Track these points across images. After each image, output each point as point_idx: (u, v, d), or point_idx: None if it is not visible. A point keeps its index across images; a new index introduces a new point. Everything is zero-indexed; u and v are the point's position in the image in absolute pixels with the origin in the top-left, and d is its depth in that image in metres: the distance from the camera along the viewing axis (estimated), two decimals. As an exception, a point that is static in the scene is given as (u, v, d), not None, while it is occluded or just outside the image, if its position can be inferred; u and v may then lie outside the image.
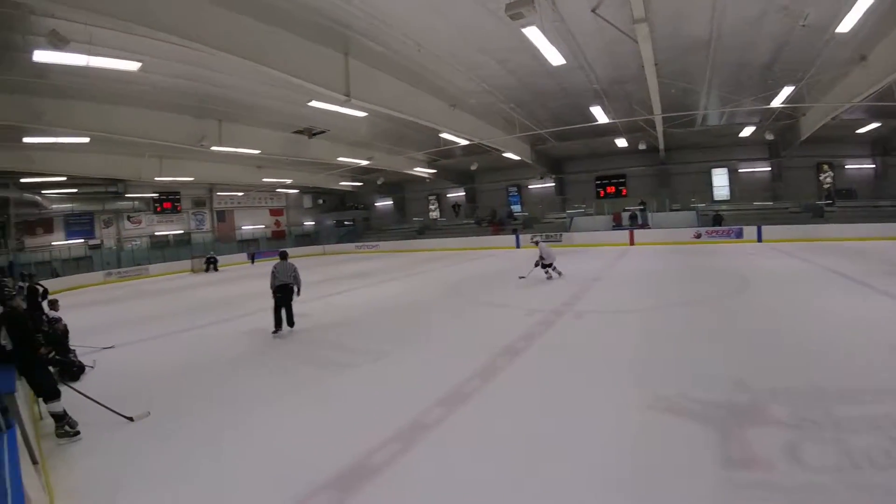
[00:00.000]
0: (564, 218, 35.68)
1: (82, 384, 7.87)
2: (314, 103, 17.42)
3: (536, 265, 16.57)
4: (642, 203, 32.67)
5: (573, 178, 38.66)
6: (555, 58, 13.09)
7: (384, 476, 4.39)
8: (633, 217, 31.68)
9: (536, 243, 17.65)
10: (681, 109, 22.04)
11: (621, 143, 29.74)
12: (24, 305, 8.26)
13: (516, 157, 30.84)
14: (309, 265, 31.65)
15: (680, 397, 5.62)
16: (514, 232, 35.36)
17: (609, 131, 27.19)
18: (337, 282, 20.25)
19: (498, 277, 18.28)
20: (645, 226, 30.97)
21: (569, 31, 14.21)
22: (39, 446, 5.53)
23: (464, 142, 24.90)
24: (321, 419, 5.95)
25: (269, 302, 11.35)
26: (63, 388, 6.27)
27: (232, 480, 4.60)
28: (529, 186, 41.22)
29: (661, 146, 29.78)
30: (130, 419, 6.26)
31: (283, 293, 11.10)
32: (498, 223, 38.47)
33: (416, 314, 12.47)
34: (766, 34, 15.08)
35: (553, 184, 39.23)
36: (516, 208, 41.38)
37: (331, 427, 5.67)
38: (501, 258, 26.29)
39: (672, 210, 32.36)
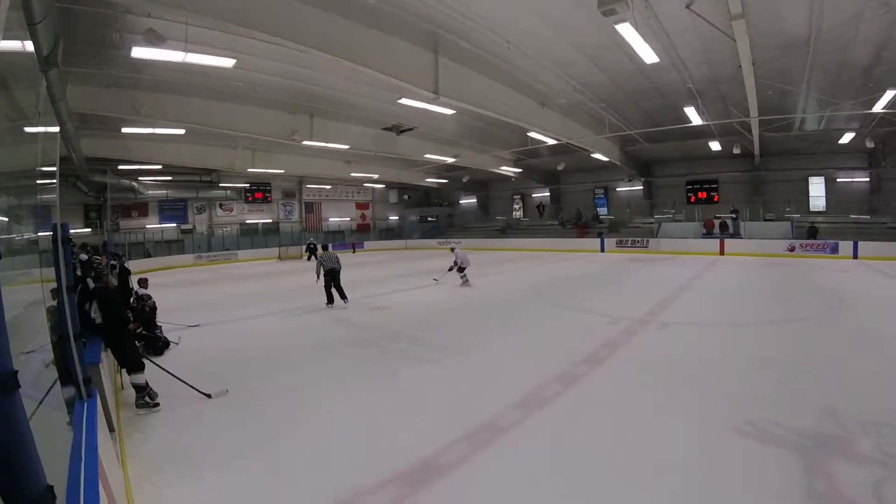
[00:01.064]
0: (652, 223, 34.10)
1: (165, 359, 8.17)
2: (403, 101, 17.48)
3: (451, 270, 17.80)
4: (734, 211, 30.75)
5: (663, 181, 36.91)
6: (648, 56, 12.52)
7: (450, 477, 4.30)
8: (723, 225, 29.90)
9: (452, 249, 19.02)
10: (778, 112, 20.73)
11: (715, 146, 28.08)
12: (114, 282, 8.61)
13: (604, 158, 29.91)
14: (390, 259, 32.15)
15: (765, 422, 5.23)
16: (600, 235, 34.37)
17: (702, 134, 25.83)
18: (418, 276, 20.29)
19: (582, 281, 17.80)
20: (736, 235, 29.20)
21: (663, 28, 13.63)
22: (118, 415, 5.84)
23: (551, 141, 24.31)
24: (394, 411, 5.95)
25: (353, 292, 13.97)
26: (147, 363, 6.56)
27: (301, 460, 4.71)
28: (617, 189, 39.82)
29: (757, 151, 27.80)
30: (208, 396, 6.47)
31: (332, 276, 13.84)
32: (583, 225, 37.40)
33: (497, 314, 12.28)
34: (866, 32, 13.85)
35: (641, 187, 37.74)
36: (602, 211, 40.12)
37: (402, 420, 5.67)
38: (585, 261, 25.68)
39: (766, 219, 30.29)
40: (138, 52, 12.16)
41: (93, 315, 6.04)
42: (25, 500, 1.72)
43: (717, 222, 30.24)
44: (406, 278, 19.75)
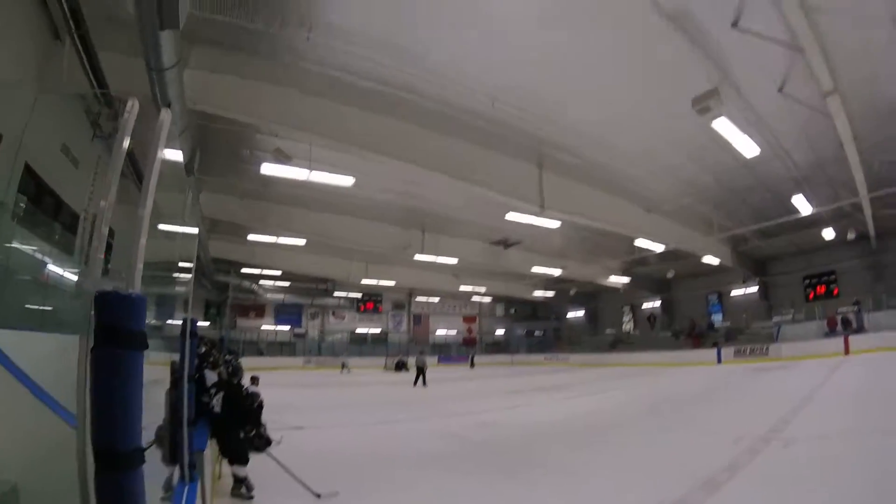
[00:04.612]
0: (771, 327, 31.66)
1: (264, 457, 8.30)
2: (510, 216, 18.05)
3: (419, 375, 22.33)
4: (856, 303, 27.90)
5: (778, 279, 34.49)
6: (748, 149, 12.37)
7: None
8: (845, 321, 27.10)
9: (418, 357, 23.87)
10: (889, 186, 19.00)
11: (828, 234, 25.95)
12: (225, 374, 9.12)
13: (716, 261, 28.71)
14: (496, 374, 31.68)
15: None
16: (716, 345, 32.10)
17: (814, 222, 24.15)
18: (524, 394, 19.77)
19: (698, 396, 16.68)
20: (861, 329, 26.24)
21: (758, 117, 13.45)
22: (213, 502, 5.98)
23: (660, 248, 23.99)
24: None
25: (459, 406, 14.80)
26: (259, 455, 6.83)
27: None
28: (731, 293, 37.70)
29: (872, 232, 25.37)
30: (318, 496, 6.47)
31: (421, 371, 20.84)
32: (697, 335, 35.41)
33: (608, 434, 11.58)
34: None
35: (756, 287, 35.42)
36: (717, 318, 37.98)
37: None
38: (701, 375, 24.05)
39: (890, 307, 26.99)
40: (267, 169, 13.59)
41: (213, 403, 6.53)
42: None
43: (839, 318, 27.62)
44: (513, 395, 19.35)
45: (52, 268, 8.85)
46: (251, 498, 6.37)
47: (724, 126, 10.88)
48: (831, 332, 27.09)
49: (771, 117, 13.72)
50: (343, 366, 34.02)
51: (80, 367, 2.01)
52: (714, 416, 12.94)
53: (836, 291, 31.18)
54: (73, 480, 1.98)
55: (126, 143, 2.38)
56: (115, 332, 1.91)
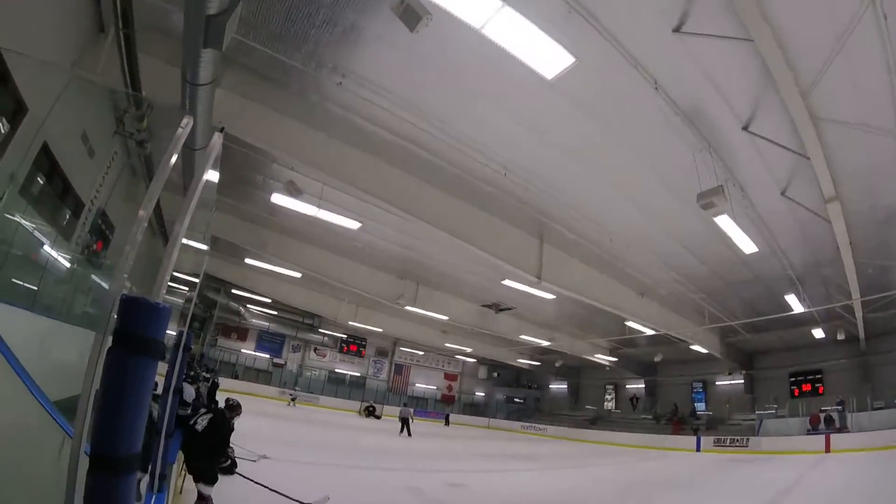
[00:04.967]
0: (753, 419, 31.04)
1: (232, 479, 8.17)
2: (506, 282, 18.37)
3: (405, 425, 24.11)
4: (840, 402, 27.42)
5: (764, 373, 34.16)
6: (747, 246, 12.53)
7: None
8: (828, 419, 26.57)
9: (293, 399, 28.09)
10: (881, 290, 18.92)
11: (818, 333, 26.10)
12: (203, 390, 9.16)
13: (704, 350, 28.73)
14: (472, 436, 31.33)
15: None
16: (696, 432, 31.73)
17: (805, 321, 24.10)
18: (500, 459, 19.60)
19: (675, 483, 16.38)
20: (843, 429, 25.91)
21: (760, 216, 13.83)
22: None
23: (649, 331, 24.03)
24: None
25: (432, 463, 14.90)
26: (238, 477, 7.34)
27: None
28: (716, 382, 37.20)
29: (861, 335, 25.28)
30: None
31: (405, 422, 22.19)
32: (679, 421, 34.96)
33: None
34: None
35: (742, 380, 35.13)
36: (700, 406, 37.33)
37: None
38: (678, 461, 23.67)
39: (874, 408, 26.52)
40: (277, 199, 13.82)
41: (199, 427, 6.66)
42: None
43: (822, 416, 27.20)
44: (488, 459, 19.15)
45: (47, 249, 8.88)
46: None
47: (725, 223, 11.08)
48: (813, 429, 26.76)
49: (771, 217, 14.08)
50: (291, 398, 34.06)
51: (90, 364, 2.07)
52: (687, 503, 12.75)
53: (821, 390, 30.86)
54: (40, 465, 2.01)
55: (174, 158, 2.48)
56: (135, 337, 1.99)
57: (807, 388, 31.62)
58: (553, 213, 14.77)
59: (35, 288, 8.18)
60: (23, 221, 7.81)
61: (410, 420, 24.92)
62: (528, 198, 13.89)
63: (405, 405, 29.28)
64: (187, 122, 2.66)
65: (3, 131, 7.02)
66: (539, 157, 12.41)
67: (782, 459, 22.88)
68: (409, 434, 23.89)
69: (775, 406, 31.15)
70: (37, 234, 8.68)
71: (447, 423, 39.46)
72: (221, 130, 2.83)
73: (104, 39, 8.86)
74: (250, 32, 9.08)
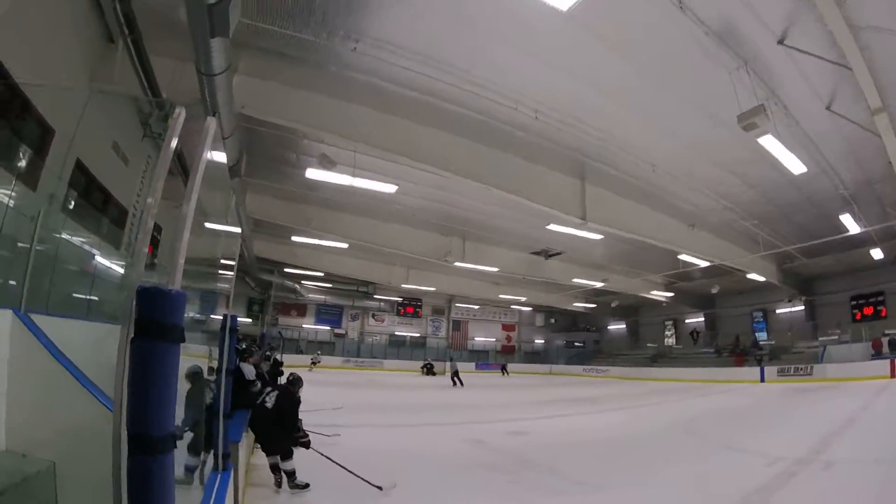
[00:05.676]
0: (816, 347, 30.55)
1: (302, 454, 8.50)
2: (552, 226, 18.15)
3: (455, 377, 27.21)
4: None
5: (825, 299, 33.27)
6: (795, 166, 12.03)
7: None
8: (892, 343, 25.87)
9: (450, 363, 30.08)
10: None
11: (876, 254, 24.94)
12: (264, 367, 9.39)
13: (761, 279, 28.10)
14: (534, 384, 31.57)
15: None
16: (759, 363, 31.16)
17: (862, 242, 23.20)
18: (560, 404, 19.65)
19: (738, 415, 16.24)
20: None
21: (805, 134, 13.18)
22: (244, 493, 6.35)
23: (704, 263, 23.58)
24: None
25: (492, 413, 15.06)
26: (315, 454, 7.41)
27: None
28: (777, 311, 36.42)
29: None
30: (379, 488, 6.82)
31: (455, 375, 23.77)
32: (741, 353, 34.30)
33: (642, 450, 11.33)
34: None
35: (802, 307, 34.26)
36: (761, 336, 36.69)
37: None
38: (742, 393, 23.37)
39: None
40: (312, 174, 13.94)
41: (268, 403, 6.93)
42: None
43: (884, 341, 26.49)
44: (549, 405, 19.25)
45: (100, 259, 9.22)
46: (307, 486, 6.71)
47: (770, 143, 10.64)
48: (877, 354, 26.11)
49: (818, 135, 13.41)
50: (312, 362, 34.59)
51: (119, 355, 2.14)
52: (753, 435, 12.58)
53: (883, 312, 29.98)
54: (108, 463, 2.12)
55: (173, 147, 2.55)
56: (154, 325, 2.06)
57: (868, 311, 30.74)
58: (591, 152, 14.42)
59: (92, 297, 8.50)
60: (69, 238, 8.09)
61: (458, 372, 28.47)
62: (564, 139, 13.57)
63: (451, 359, 32.81)
64: (211, 122, 2.73)
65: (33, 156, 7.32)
66: (569, 96, 12.08)
67: (847, 387, 22.36)
68: (462, 384, 27.15)
69: (838, 332, 30.37)
70: (86, 247, 8.99)
71: (504, 372, 40.25)
72: (216, 112, 2.85)
73: (115, 50, 9.10)
74: (257, 14, 9.08)
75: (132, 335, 2.06)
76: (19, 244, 5.89)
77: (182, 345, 2.20)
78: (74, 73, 8.73)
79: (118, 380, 2.13)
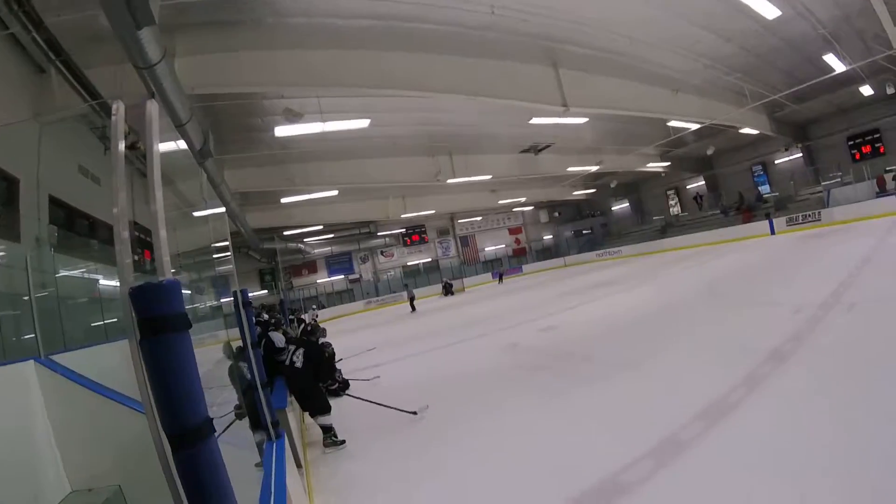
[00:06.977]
0: (821, 192, 30.08)
1: (343, 400, 8.74)
2: (535, 120, 17.81)
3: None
4: None
5: (822, 143, 32.88)
6: (767, 10, 11.71)
7: (635, 496, 4.11)
8: None
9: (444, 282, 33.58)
10: None
11: (866, 90, 24.90)
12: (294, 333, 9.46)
13: (755, 132, 27.83)
14: (551, 279, 32.03)
15: None
16: (767, 217, 31.04)
17: (850, 80, 22.87)
18: (581, 293, 19.93)
19: (755, 271, 16.38)
20: None
21: None
22: (305, 453, 6.49)
23: (694, 126, 23.22)
24: (571, 431, 5.82)
25: (520, 316, 15.41)
26: (349, 398, 7.86)
27: (482, 486, 4.81)
28: (776, 162, 36.10)
29: None
30: (414, 413, 7.12)
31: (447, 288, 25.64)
32: (747, 209, 34.14)
33: (669, 319, 11.50)
34: None
35: (800, 154, 33.99)
36: (764, 189, 36.52)
37: (580, 440, 5.50)
38: (756, 249, 23.55)
39: None
40: (281, 131, 13.68)
41: (295, 360, 6.88)
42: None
43: (888, 177, 26.10)
44: (570, 296, 19.51)
45: (104, 282, 9.26)
46: (343, 442, 6.74)
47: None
48: (882, 191, 25.90)
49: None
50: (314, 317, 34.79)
51: (134, 361, 2.12)
52: (774, 288, 12.71)
53: (882, 149, 29.82)
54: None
55: (122, 146, 2.41)
56: (155, 320, 2.01)
57: (867, 149, 30.57)
58: (558, 35, 13.88)
59: (108, 321, 8.56)
60: (69, 273, 8.08)
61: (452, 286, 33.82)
62: (528, 28, 12.99)
63: (405, 286, 36.10)
64: (152, 108, 2.58)
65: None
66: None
67: (857, 227, 22.45)
68: (452, 293, 33.12)
69: (839, 174, 30.10)
70: (86, 275, 8.98)
71: (500, 280, 40.70)
72: (153, 96, 2.70)
73: (48, 77, 8.99)
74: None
75: (139, 338, 2.03)
76: (24, 297, 5.95)
77: (206, 334, 2.17)
78: (16, 113, 8.58)
79: (141, 385, 2.12)
